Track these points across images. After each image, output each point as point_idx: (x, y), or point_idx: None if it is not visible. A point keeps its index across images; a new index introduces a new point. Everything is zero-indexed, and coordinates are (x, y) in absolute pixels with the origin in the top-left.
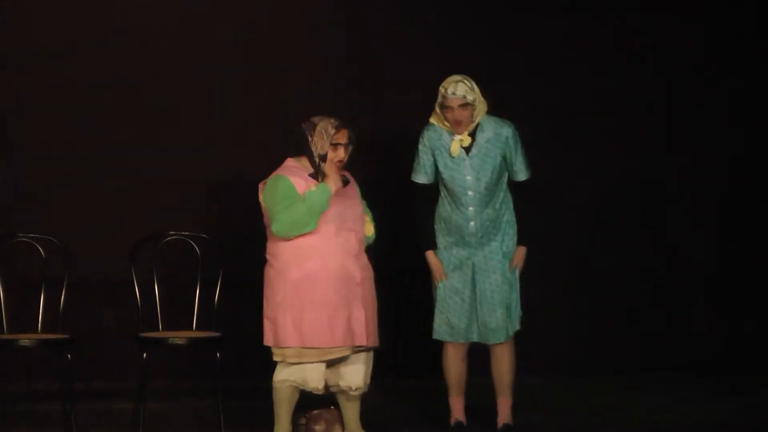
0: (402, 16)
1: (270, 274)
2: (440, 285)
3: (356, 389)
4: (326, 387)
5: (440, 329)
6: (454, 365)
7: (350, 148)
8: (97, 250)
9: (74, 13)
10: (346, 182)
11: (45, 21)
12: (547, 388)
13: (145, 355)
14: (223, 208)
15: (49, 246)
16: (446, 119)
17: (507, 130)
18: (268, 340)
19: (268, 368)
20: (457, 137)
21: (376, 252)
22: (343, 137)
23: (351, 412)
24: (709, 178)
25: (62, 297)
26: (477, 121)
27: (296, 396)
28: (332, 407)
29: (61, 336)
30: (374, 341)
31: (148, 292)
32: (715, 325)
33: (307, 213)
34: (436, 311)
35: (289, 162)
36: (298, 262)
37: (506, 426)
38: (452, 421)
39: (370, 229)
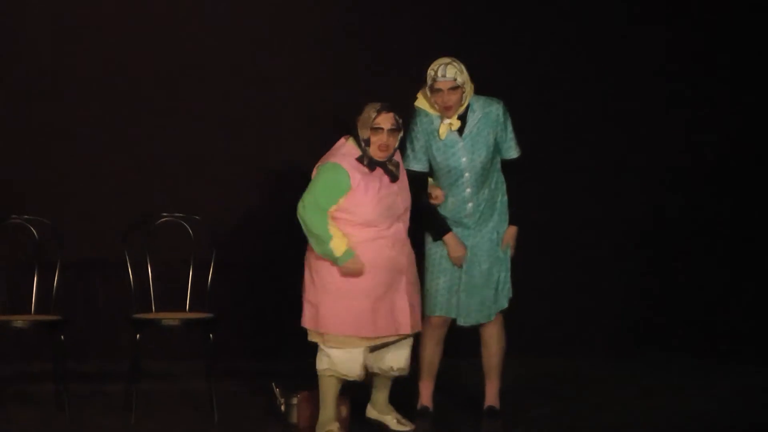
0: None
1: (316, 257)
2: (443, 267)
3: (397, 370)
4: (366, 371)
5: (438, 305)
6: (431, 348)
7: (400, 133)
8: (91, 231)
9: None
10: (394, 177)
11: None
12: (538, 371)
13: (138, 336)
14: (216, 189)
15: (43, 227)
16: (435, 103)
17: (496, 108)
18: (306, 322)
19: (261, 349)
20: (447, 121)
21: None
22: (385, 121)
23: (382, 392)
24: (705, 161)
25: (55, 278)
26: (466, 103)
27: (340, 384)
28: None
29: (55, 317)
30: (418, 327)
31: (141, 274)
32: (708, 309)
33: (318, 243)
34: (438, 291)
35: (342, 144)
36: None
37: (490, 408)
38: (418, 406)
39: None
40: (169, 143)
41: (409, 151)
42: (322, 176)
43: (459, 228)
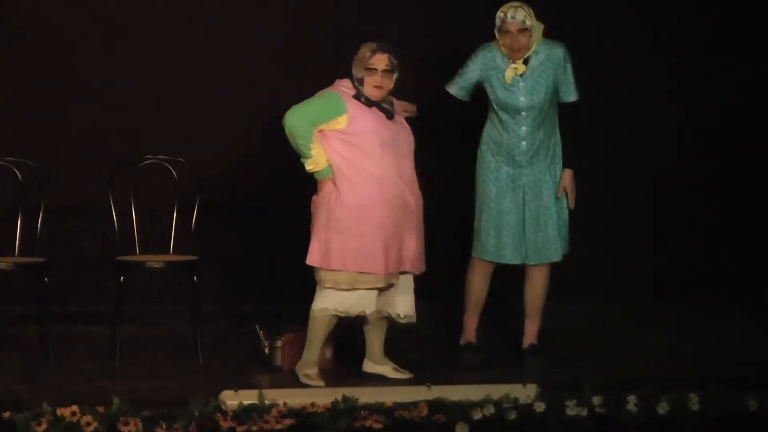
0: None
1: (328, 196)
2: (492, 205)
3: (405, 317)
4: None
5: (485, 248)
6: (479, 283)
7: (395, 74)
8: (75, 173)
9: None
10: (390, 115)
11: None
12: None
13: (122, 278)
14: (200, 131)
15: (26, 170)
16: (503, 45)
17: (559, 51)
18: (314, 260)
19: (245, 292)
20: (513, 65)
21: None
22: (380, 62)
23: (377, 341)
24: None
25: (39, 221)
26: (533, 48)
27: (333, 323)
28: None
29: (38, 259)
30: (421, 267)
31: (125, 216)
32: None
33: (302, 145)
34: (484, 230)
35: (339, 81)
36: (355, 187)
37: (532, 346)
38: (462, 341)
39: None
40: (154, 85)
41: (457, 77)
42: (316, 97)
43: (511, 167)
